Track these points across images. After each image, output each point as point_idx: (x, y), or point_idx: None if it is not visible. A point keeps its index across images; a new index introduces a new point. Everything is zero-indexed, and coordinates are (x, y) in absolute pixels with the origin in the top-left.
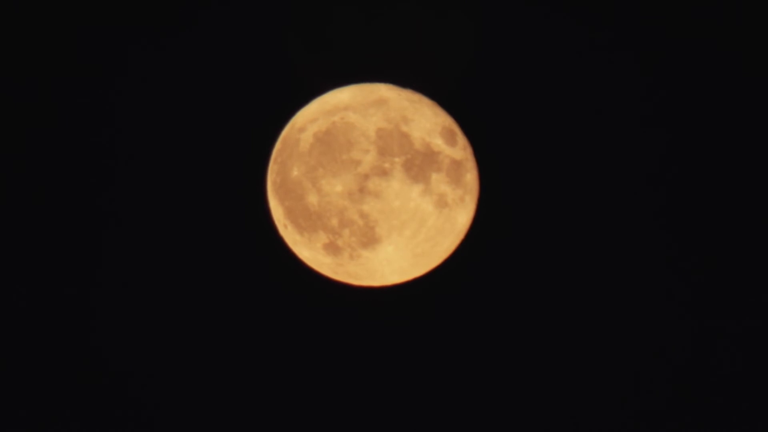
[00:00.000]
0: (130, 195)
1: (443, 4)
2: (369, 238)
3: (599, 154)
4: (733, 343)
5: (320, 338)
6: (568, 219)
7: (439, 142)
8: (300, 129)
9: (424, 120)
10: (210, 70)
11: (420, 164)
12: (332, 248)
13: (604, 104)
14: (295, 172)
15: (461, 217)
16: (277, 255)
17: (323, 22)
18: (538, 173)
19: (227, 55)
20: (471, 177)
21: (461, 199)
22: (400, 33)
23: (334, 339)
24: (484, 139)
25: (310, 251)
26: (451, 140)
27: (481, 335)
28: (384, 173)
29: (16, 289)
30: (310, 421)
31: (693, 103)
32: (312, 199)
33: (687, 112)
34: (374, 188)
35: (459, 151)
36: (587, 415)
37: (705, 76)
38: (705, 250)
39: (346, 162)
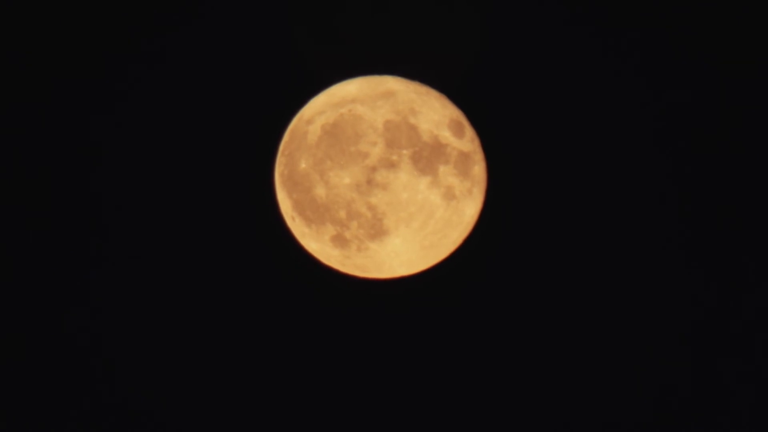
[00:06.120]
0: (136, 188)
1: None
2: (377, 231)
3: (607, 146)
4: (737, 344)
5: (327, 330)
6: (575, 211)
7: (446, 135)
8: (308, 121)
9: (432, 112)
10: (218, 62)
11: (428, 156)
12: (340, 240)
13: (611, 97)
14: (302, 165)
15: (469, 210)
16: (284, 247)
17: (331, 14)
18: (545, 165)
19: (235, 48)
20: (479, 169)
21: (469, 192)
22: (407, 25)
23: (341, 331)
24: (492, 131)
25: (318, 243)
26: (458, 132)
27: (489, 327)
28: (392, 165)
29: (26, 291)
30: (315, 414)
31: (701, 95)
32: (320, 191)
33: (694, 104)
34: (382, 180)
35: (467, 143)
36: (592, 410)
37: (713, 69)
38: (712, 248)
39: (353, 154)
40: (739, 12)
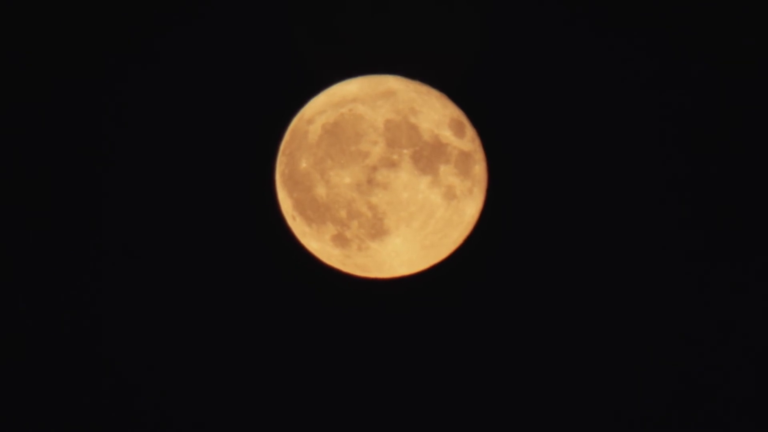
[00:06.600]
0: (137, 188)
1: None
2: (377, 230)
3: (607, 146)
4: (738, 344)
5: (328, 330)
6: (576, 211)
7: (447, 134)
8: (308, 121)
9: (433, 112)
10: (218, 62)
11: (428, 156)
12: (340, 240)
13: (611, 97)
14: (303, 164)
15: (469, 209)
16: (285, 247)
17: (331, 14)
18: (546, 164)
19: (236, 48)
20: (479, 168)
21: (469, 191)
22: (408, 25)
23: (342, 331)
24: (493, 130)
25: (319, 243)
26: (459, 132)
27: (489, 327)
28: (392, 165)
29: (26, 291)
30: (315, 414)
31: (701, 95)
32: (320, 190)
33: (694, 104)
34: (383, 180)
35: (467, 142)
36: (592, 410)
37: (713, 69)
38: (712, 248)
39: (354, 154)
40: (739, 12)
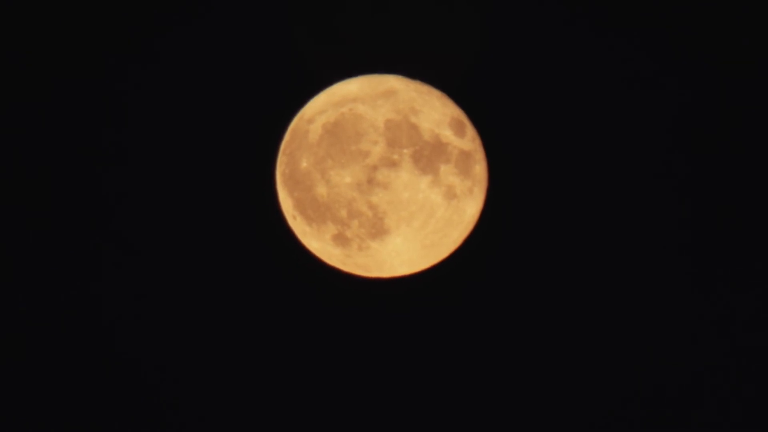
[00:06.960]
0: (137, 188)
1: None
2: (378, 230)
3: (607, 145)
4: (737, 344)
5: (328, 330)
6: (576, 211)
7: (447, 134)
8: (309, 120)
9: (433, 111)
10: (219, 61)
11: (429, 155)
12: (341, 239)
13: (611, 97)
14: (304, 164)
15: (470, 209)
16: (285, 246)
17: (331, 14)
18: (546, 164)
19: (236, 47)
20: (480, 168)
21: (470, 191)
22: (408, 24)
23: (342, 330)
24: (493, 130)
25: (319, 242)
26: (459, 131)
27: (489, 327)
28: (393, 164)
29: (26, 291)
30: (316, 413)
31: (701, 94)
32: (321, 190)
33: (694, 104)
34: (383, 179)
35: (468, 142)
36: (592, 410)
37: (713, 69)
38: (712, 248)
39: (354, 153)
40: (739, 12)
